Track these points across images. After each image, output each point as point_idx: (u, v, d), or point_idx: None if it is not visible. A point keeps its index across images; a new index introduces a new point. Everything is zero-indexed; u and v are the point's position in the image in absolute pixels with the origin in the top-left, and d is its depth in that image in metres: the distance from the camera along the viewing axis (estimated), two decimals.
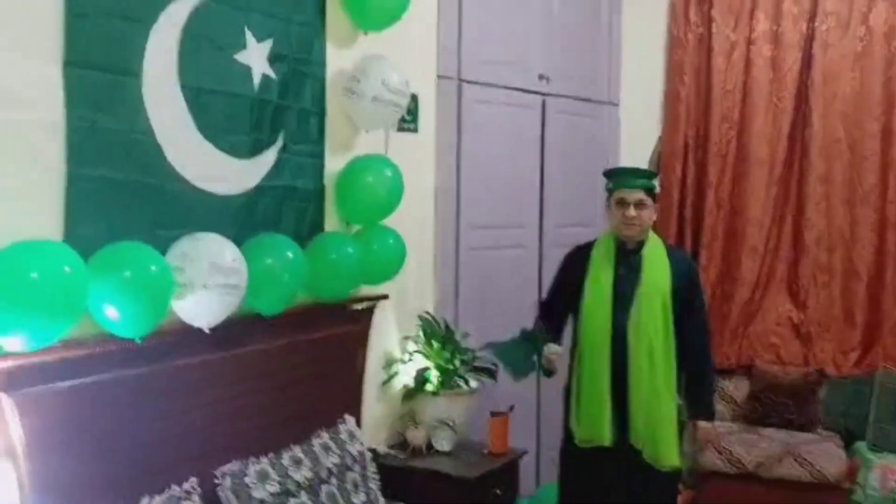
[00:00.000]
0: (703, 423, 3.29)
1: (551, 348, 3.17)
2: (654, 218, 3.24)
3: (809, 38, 4.68)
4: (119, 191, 2.42)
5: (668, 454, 3.11)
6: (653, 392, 3.08)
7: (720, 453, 4.28)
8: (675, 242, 4.96)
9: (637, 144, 5.09)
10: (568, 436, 3.26)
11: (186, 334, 2.57)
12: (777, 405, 4.49)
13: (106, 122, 2.36)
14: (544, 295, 3.52)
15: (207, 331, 2.56)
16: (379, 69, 3.15)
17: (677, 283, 3.15)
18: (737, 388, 4.73)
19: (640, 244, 3.19)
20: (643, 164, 5.11)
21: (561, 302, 3.34)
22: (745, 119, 4.81)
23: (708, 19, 4.88)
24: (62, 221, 2.28)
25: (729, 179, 4.85)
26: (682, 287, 3.16)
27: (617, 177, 3.26)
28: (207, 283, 2.47)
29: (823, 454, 4.17)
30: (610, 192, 3.22)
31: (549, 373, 3.26)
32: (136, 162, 2.46)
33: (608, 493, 3.16)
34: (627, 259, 3.18)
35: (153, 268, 2.35)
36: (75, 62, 2.28)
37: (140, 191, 2.48)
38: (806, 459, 4.14)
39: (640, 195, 3.14)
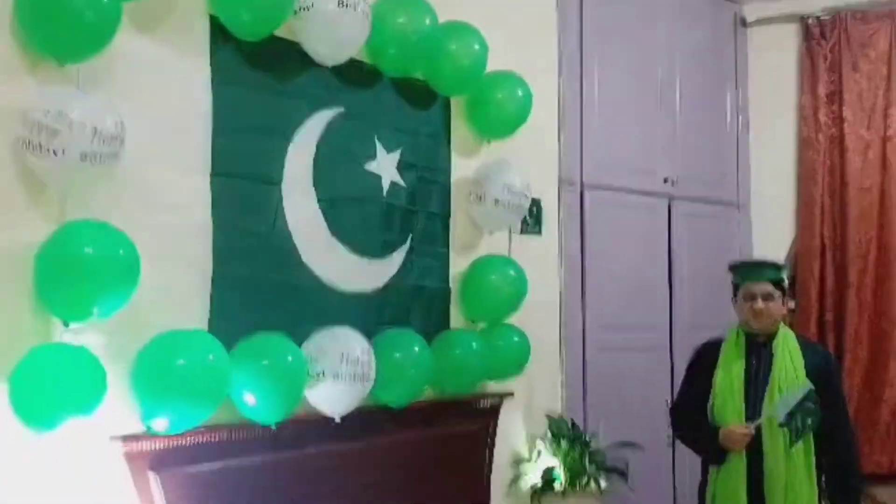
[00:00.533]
0: None
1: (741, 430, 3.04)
2: (785, 311, 3.17)
3: None
4: (259, 288, 2.64)
5: None
6: (791, 487, 2.95)
7: None
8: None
9: (770, 247, 4.97)
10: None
11: (319, 423, 2.71)
12: None
13: (248, 224, 2.62)
14: (675, 398, 3.46)
15: (338, 420, 2.70)
16: (501, 173, 3.33)
17: (812, 375, 3.04)
18: (890, 496, 4.39)
19: (771, 337, 3.13)
20: None
21: (692, 400, 3.23)
22: (885, 217, 4.65)
23: (840, 119, 4.82)
24: (207, 315, 2.51)
25: (871, 280, 4.66)
26: (818, 378, 3.05)
27: (743, 270, 3.23)
28: (338, 373, 2.63)
29: None
30: (736, 286, 3.20)
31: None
32: (275, 262, 2.70)
33: None
34: (759, 352, 3.11)
35: (289, 357, 2.54)
36: (220, 173, 2.56)
37: (278, 288, 2.70)
38: None
39: (767, 287, 3.10)
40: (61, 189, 2.20)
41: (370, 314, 2.98)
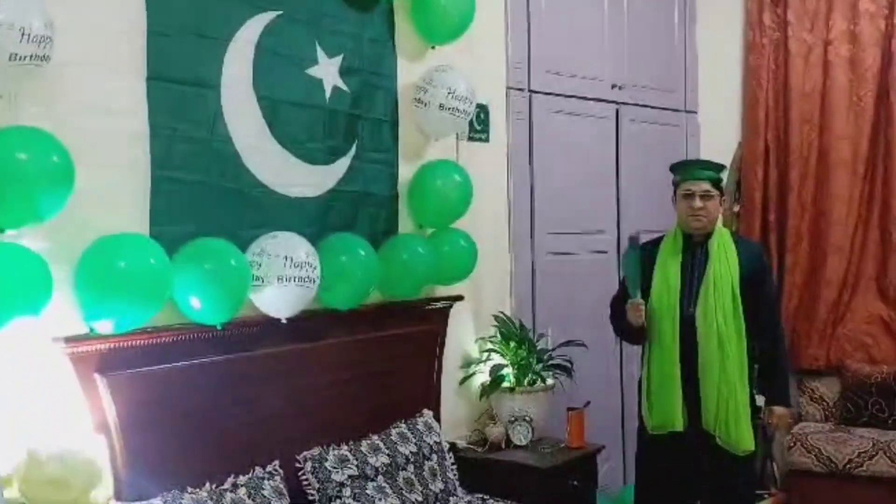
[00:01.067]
0: (778, 410, 3.24)
1: (632, 301, 3.18)
2: (721, 210, 3.26)
3: (888, 36, 4.60)
4: (201, 193, 2.66)
5: (743, 438, 3.11)
6: (724, 377, 3.09)
7: (810, 452, 4.21)
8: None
9: (717, 151, 5.02)
10: (642, 425, 3.30)
11: (266, 325, 2.77)
12: (868, 404, 4.35)
13: (187, 130, 2.61)
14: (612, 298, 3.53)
15: (284, 321, 2.75)
16: (444, 78, 3.32)
17: (746, 272, 3.16)
18: (827, 388, 4.63)
19: (708, 236, 3.22)
20: (725, 170, 5.09)
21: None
22: (826, 120, 4.73)
23: (784, 22, 4.85)
24: (148, 220, 2.52)
25: (812, 181, 4.77)
26: (751, 275, 3.17)
27: (683, 169, 3.30)
28: (282, 276, 2.67)
29: None
30: (676, 184, 3.28)
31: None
32: (216, 167, 2.70)
33: (684, 479, 3.18)
34: (694, 251, 3.22)
35: (232, 261, 2.58)
36: (157, 76, 2.53)
37: (220, 194, 2.71)
38: None
39: (705, 186, 3.18)
40: None
41: (315, 220, 3.01)
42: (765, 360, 3.23)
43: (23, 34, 2.08)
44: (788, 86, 4.82)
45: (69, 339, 2.29)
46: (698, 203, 3.16)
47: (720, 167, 3.35)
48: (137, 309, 2.33)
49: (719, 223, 3.29)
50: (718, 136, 5.07)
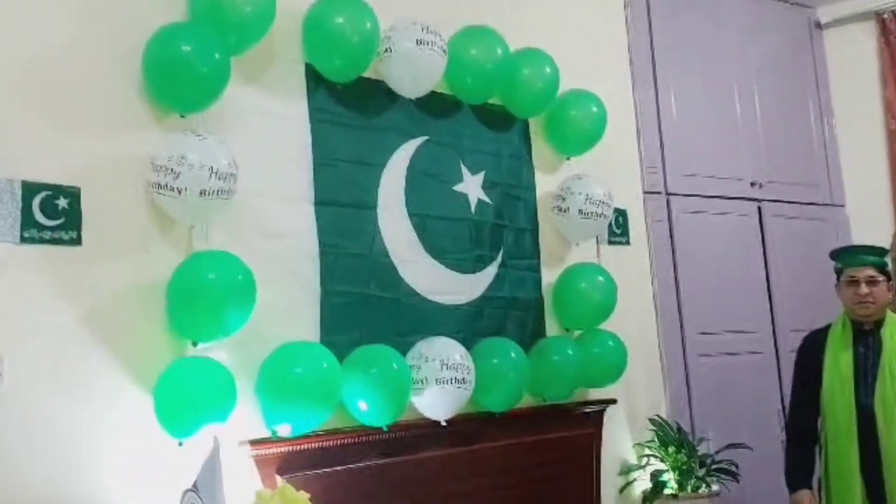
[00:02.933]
0: None
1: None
2: (890, 297, 3.14)
3: None
4: (363, 304, 2.87)
5: None
6: None
7: None
8: None
9: (870, 241, 4.90)
10: None
11: (427, 428, 2.90)
12: None
13: (350, 247, 2.87)
14: (788, 409, 3.38)
15: (444, 423, 2.87)
16: (581, 185, 3.48)
17: None
18: None
19: (878, 323, 3.10)
20: None
21: (808, 395, 3.18)
22: None
23: None
24: (318, 330, 2.75)
25: None
26: None
27: (845, 255, 3.22)
28: (440, 378, 2.81)
29: None
30: (839, 272, 3.20)
31: None
32: (376, 279, 2.93)
33: None
34: (866, 339, 3.10)
35: (395, 365, 2.75)
36: (323, 202, 2.83)
37: (380, 304, 2.92)
38: None
39: (870, 272, 3.10)
40: (186, 223, 2.49)
41: (467, 325, 3.16)
42: None
43: (211, 172, 2.40)
44: None
45: (253, 443, 2.49)
46: (864, 289, 3.07)
47: (884, 251, 3.24)
48: (313, 411, 2.52)
49: (889, 310, 3.17)
50: (869, 227, 4.92)
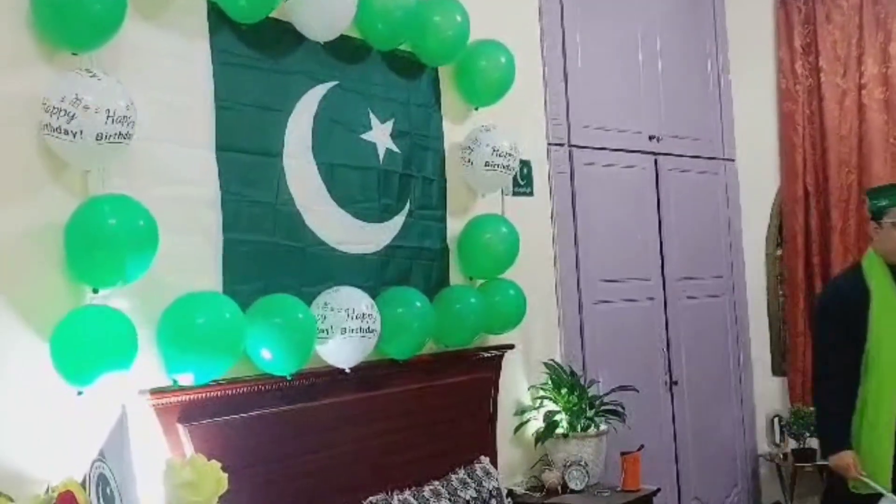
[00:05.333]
0: None
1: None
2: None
3: None
4: (268, 253, 2.85)
5: None
6: None
7: None
8: (805, 289, 4.96)
9: (756, 196, 5.19)
10: (839, 481, 3.04)
11: (331, 376, 2.93)
12: None
13: (253, 194, 2.82)
14: (821, 360, 3.13)
15: (347, 371, 2.91)
16: (488, 137, 3.51)
17: None
18: None
19: None
20: (765, 215, 5.20)
21: (849, 345, 3.00)
22: (863, 162, 4.84)
23: (816, 69, 5.00)
24: (221, 279, 2.72)
25: (853, 223, 4.85)
26: None
27: (894, 193, 3.04)
28: (345, 328, 2.84)
29: None
30: (882, 210, 3.01)
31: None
32: (281, 228, 2.90)
33: None
34: None
35: (299, 315, 2.75)
36: (225, 147, 2.76)
37: (286, 253, 2.90)
38: None
39: None
40: (81, 168, 2.40)
41: (374, 274, 3.18)
42: None
43: (108, 115, 2.30)
44: (824, 130, 4.94)
45: (154, 392, 2.47)
46: None
47: None
48: (215, 361, 2.51)
49: None
50: (757, 181, 5.19)
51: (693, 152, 4.96)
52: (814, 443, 4.75)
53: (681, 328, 4.69)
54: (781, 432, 4.96)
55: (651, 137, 4.68)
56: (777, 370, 5.16)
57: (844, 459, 2.94)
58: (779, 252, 5.15)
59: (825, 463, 3.23)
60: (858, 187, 4.84)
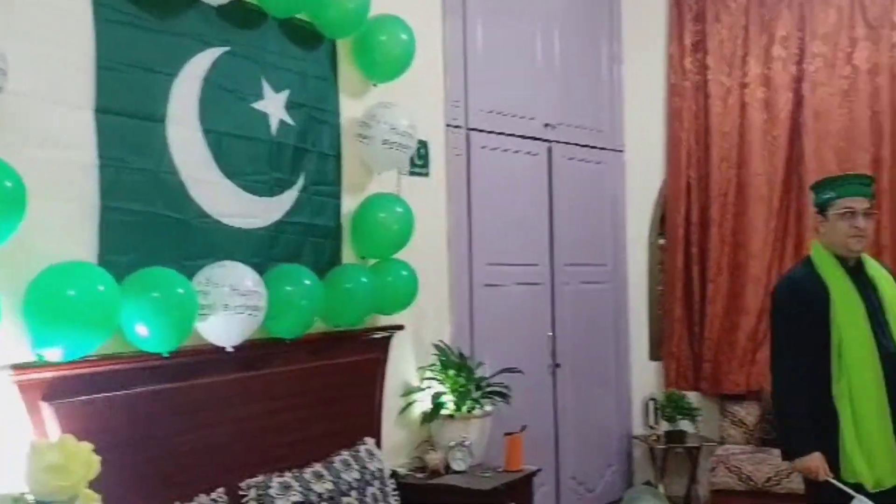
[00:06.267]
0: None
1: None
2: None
3: (799, 79, 4.93)
4: (148, 223, 2.70)
5: None
6: None
7: (732, 472, 4.45)
8: (683, 278, 5.14)
9: (643, 187, 5.34)
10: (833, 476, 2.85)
11: (212, 354, 2.81)
12: None
13: (134, 160, 2.66)
14: (780, 362, 2.94)
15: (230, 349, 2.80)
16: (387, 115, 3.45)
17: None
18: (747, 412, 4.88)
19: (857, 260, 2.94)
20: (649, 205, 5.36)
21: (811, 344, 2.87)
22: (743, 158, 5.04)
23: (703, 67, 5.16)
24: (97, 249, 2.56)
25: (731, 216, 5.05)
26: None
27: (839, 185, 2.94)
28: (228, 304, 2.73)
29: None
30: (827, 203, 2.93)
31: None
32: (164, 198, 2.75)
33: None
34: (857, 278, 2.90)
35: (180, 290, 2.61)
36: (106, 109, 2.59)
37: (167, 224, 2.76)
38: None
39: (867, 203, 2.89)
40: None
41: (262, 250, 3.07)
42: None
43: None
44: (709, 126, 5.12)
45: (16, 367, 2.30)
46: (862, 222, 2.86)
47: (874, 181, 3.08)
48: (86, 336, 2.35)
49: None
50: (644, 173, 5.33)
51: (585, 142, 5.04)
52: (684, 424, 4.98)
53: (566, 313, 4.78)
54: (656, 415, 5.14)
55: (546, 125, 4.72)
56: (654, 355, 5.34)
57: (813, 461, 2.81)
58: (661, 241, 5.31)
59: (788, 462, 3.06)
60: (737, 182, 5.04)
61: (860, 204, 2.89)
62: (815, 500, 2.97)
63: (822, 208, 2.95)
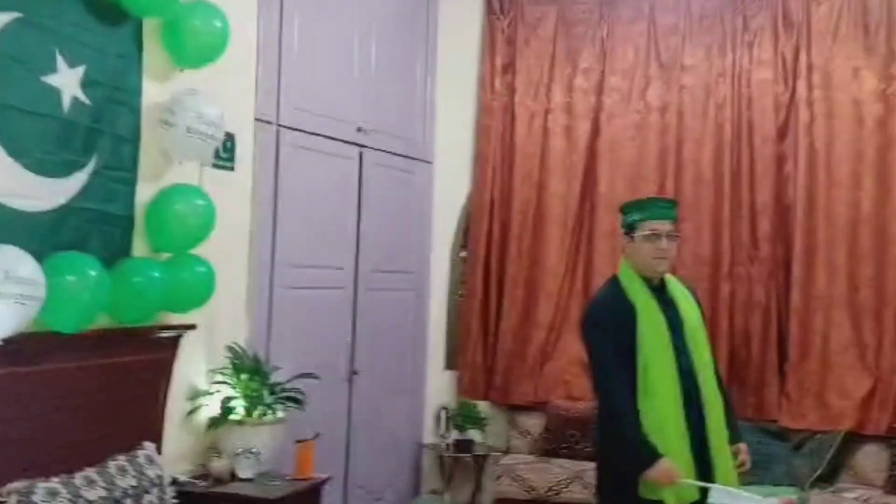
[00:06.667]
0: (744, 446, 3.08)
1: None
2: None
3: (597, 110, 5.24)
4: None
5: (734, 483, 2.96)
6: (721, 432, 2.98)
7: (516, 481, 4.62)
8: (482, 290, 5.31)
9: (449, 199, 5.46)
10: (628, 490, 2.89)
11: None
12: (567, 436, 4.86)
13: None
14: (604, 379, 3.00)
15: (0, 342, 2.55)
16: (194, 102, 3.29)
17: (698, 311, 3.13)
18: (533, 422, 5.11)
19: (661, 279, 3.08)
20: (454, 218, 5.49)
21: (625, 361, 2.94)
22: (543, 179, 5.29)
23: (511, 89, 5.37)
24: None
25: (529, 233, 5.28)
26: (701, 313, 3.15)
27: (645, 208, 3.07)
28: (0, 293, 2.48)
29: None
30: (634, 224, 3.04)
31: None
32: None
33: None
34: (662, 298, 3.05)
35: None
36: None
37: None
38: (590, 483, 4.49)
39: (670, 227, 3.03)
40: None
41: (43, 235, 2.82)
42: (727, 402, 3.09)
43: None
44: (514, 146, 5.33)
45: None
46: (665, 244, 2.99)
47: (677, 204, 3.24)
48: None
49: None
50: (451, 186, 5.46)
51: (397, 150, 5.08)
52: (473, 434, 5.12)
53: (367, 319, 4.77)
54: (447, 424, 5.25)
55: (359, 129, 4.71)
56: (449, 364, 5.46)
57: (665, 466, 2.81)
58: (462, 254, 5.46)
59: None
60: (536, 201, 5.28)
61: (664, 227, 3.00)
62: (602, 499, 3.08)
63: (629, 230, 3.05)
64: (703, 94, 5.05)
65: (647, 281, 3.04)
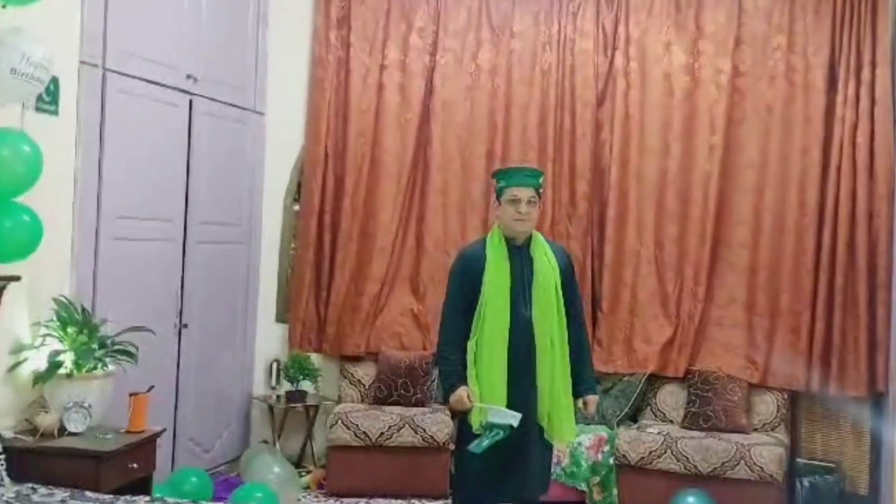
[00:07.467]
0: (593, 398, 3.56)
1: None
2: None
3: (431, 70, 5.35)
4: None
5: (570, 430, 3.45)
6: (556, 374, 3.36)
7: (349, 428, 4.76)
8: (315, 244, 5.35)
9: (282, 152, 5.43)
10: (465, 424, 3.40)
11: None
12: (398, 385, 5.06)
13: None
14: (445, 318, 3.48)
15: None
16: (19, 41, 3.09)
17: (562, 271, 3.46)
18: (365, 372, 5.26)
19: (528, 240, 3.45)
20: (287, 170, 5.47)
21: (467, 304, 3.39)
22: (378, 135, 5.35)
23: (347, 43, 5.37)
24: None
25: (363, 188, 5.35)
26: (564, 273, 3.48)
27: (509, 176, 3.48)
28: None
29: (434, 423, 4.83)
30: (500, 190, 3.44)
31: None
32: None
33: (508, 472, 3.34)
34: (520, 255, 3.42)
35: None
36: None
37: None
38: (420, 427, 4.79)
39: (531, 193, 3.39)
40: None
41: None
42: (579, 355, 3.50)
43: None
44: (348, 101, 5.36)
45: None
46: (524, 208, 3.36)
47: (542, 175, 3.61)
48: None
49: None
50: (283, 138, 5.42)
51: (228, 100, 4.98)
52: (305, 385, 5.21)
53: (197, 272, 4.70)
54: (278, 376, 5.29)
55: (189, 77, 4.57)
56: (280, 317, 5.48)
57: (458, 393, 3.30)
58: (296, 207, 5.46)
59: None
60: (371, 157, 5.35)
61: (525, 193, 3.38)
62: (458, 444, 3.51)
63: (497, 194, 3.46)
64: (531, 60, 5.29)
65: (511, 240, 3.41)
